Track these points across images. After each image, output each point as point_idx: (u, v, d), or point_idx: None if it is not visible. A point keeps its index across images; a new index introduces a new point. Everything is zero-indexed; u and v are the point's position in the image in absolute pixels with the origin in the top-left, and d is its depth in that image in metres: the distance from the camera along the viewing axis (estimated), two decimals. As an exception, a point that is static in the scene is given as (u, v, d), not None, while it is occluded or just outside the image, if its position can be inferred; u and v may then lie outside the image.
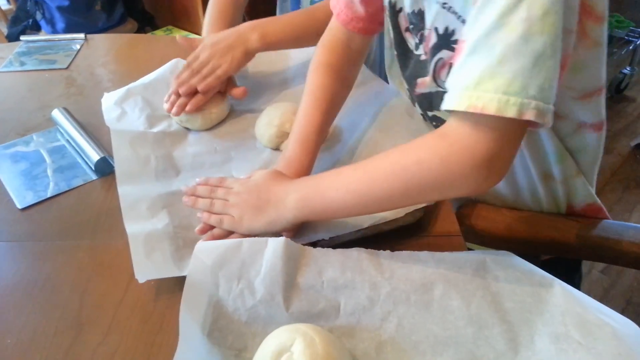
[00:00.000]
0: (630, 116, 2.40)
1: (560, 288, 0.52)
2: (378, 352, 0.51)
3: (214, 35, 0.86)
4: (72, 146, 0.82)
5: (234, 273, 0.56)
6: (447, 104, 0.50)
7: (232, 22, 0.96)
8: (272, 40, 0.85)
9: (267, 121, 0.79)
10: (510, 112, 0.46)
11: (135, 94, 0.88)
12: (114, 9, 2.11)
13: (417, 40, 0.70)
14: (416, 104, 0.77)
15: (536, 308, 0.52)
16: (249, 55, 0.85)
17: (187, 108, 0.82)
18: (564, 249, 0.74)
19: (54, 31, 2.03)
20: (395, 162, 0.55)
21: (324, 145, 0.79)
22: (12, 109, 0.93)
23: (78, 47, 1.14)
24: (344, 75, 0.77)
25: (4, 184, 0.76)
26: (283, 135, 0.78)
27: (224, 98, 0.86)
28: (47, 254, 0.65)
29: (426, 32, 0.66)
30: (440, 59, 0.64)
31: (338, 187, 0.58)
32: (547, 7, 0.45)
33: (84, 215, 0.70)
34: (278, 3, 1.16)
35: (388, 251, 0.59)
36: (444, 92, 0.51)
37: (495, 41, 0.46)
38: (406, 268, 0.56)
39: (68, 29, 2.01)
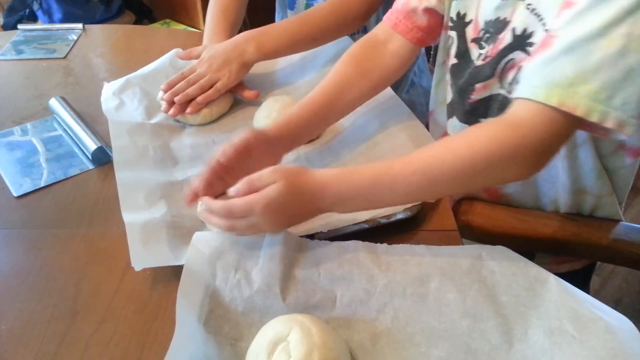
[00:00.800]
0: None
1: (555, 283, 0.53)
2: (373, 343, 0.51)
3: (211, 48, 0.87)
4: (69, 135, 0.82)
5: (232, 263, 0.56)
6: (532, 94, 0.52)
7: (235, 22, 0.95)
8: (269, 50, 0.85)
9: (266, 114, 0.79)
10: (594, 117, 0.49)
11: (134, 85, 0.88)
12: (112, 1, 2.10)
13: (480, 51, 0.70)
14: (454, 117, 0.76)
15: (531, 302, 0.52)
16: (246, 67, 0.85)
17: (188, 110, 0.82)
18: (559, 246, 0.75)
19: (51, 21, 2.02)
20: (462, 160, 0.54)
21: (323, 140, 0.80)
22: (9, 97, 0.93)
23: (76, 37, 1.14)
24: (364, 65, 0.76)
25: (0, 171, 0.75)
26: (281, 128, 0.78)
27: (227, 94, 0.86)
28: (43, 242, 0.65)
29: (501, 35, 0.65)
30: (511, 59, 0.64)
31: (396, 192, 0.56)
32: None
33: (80, 204, 0.70)
34: (277, 6, 1.17)
35: (385, 244, 0.59)
36: (505, 95, 0.54)
37: (595, 48, 0.49)
38: (403, 261, 0.56)
39: (65, 20, 2.00)
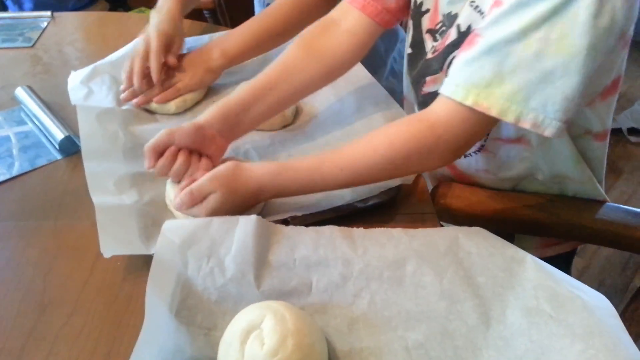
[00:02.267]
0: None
1: (532, 262, 0.52)
2: (350, 328, 0.50)
3: (179, 55, 0.85)
4: (36, 125, 0.79)
5: (204, 251, 0.54)
6: (452, 93, 0.54)
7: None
8: (234, 53, 0.83)
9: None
10: (509, 118, 0.52)
11: (103, 72, 0.86)
12: (85, -10, 2.04)
13: (433, 44, 0.69)
14: (416, 108, 0.76)
15: (508, 282, 0.51)
16: (211, 72, 0.84)
17: (156, 99, 0.80)
18: (538, 227, 0.75)
19: (21, 11, 1.96)
20: (383, 157, 0.58)
21: (298, 124, 0.78)
22: (-26, 88, 0.90)
23: (45, 25, 1.10)
24: (315, 47, 0.73)
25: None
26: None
27: None
28: (10, 234, 0.63)
29: (450, 30, 0.65)
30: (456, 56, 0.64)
31: (327, 184, 0.61)
32: (565, 32, 0.49)
33: (48, 195, 0.68)
34: (256, 9, 1.14)
35: (361, 229, 0.58)
36: None
37: (512, 51, 0.51)
38: (379, 245, 0.55)
39: (36, 9, 1.94)
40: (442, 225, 0.67)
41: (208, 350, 0.48)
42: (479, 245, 0.55)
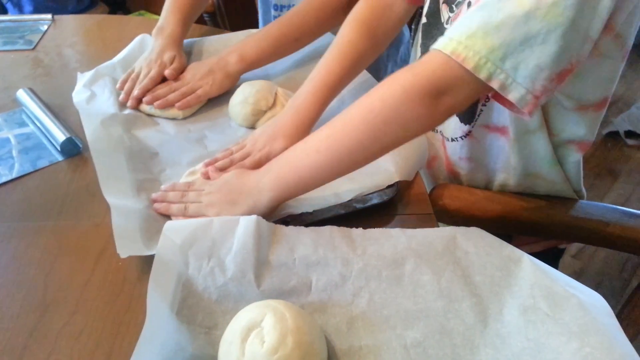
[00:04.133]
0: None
1: (529, 262, 0.53)
2: (349, 326, 0.51)
3: (196, 63, 0.87)
4: (38, 127, 0.80)
5: (204, 251, 0.55)
6: (441, 44, 0.53)
7: (189, 13, 0.93)
8: (252, 58, 0.85)
9: (242, 99, 0.78)
10: (482, 74, 0.50)
11: (104, 75, 0.86)
12: (84, -7, 2.05)
13: (450, 14, 0.69)
14: None
15: (505, 281, 0.52)
16: (230, 77, 0.85)
17: (178, 105, 0.81)
18: (534, 228, 0.75)
19: (21, 14, 1.96)
20: (360, 107, 0.57)
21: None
22: (-25, 90, 0.90)
23: (45, 27, 1.11)
24: (376, 35, 0.75)
25: (-35, 165, 0.73)
26: (259, 114, 0.77)
27: None
28: (12, 235, 0.63)
29: (460, 5, 0.65)
30: None
31: (308, 152, 0.59)
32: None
33: (49, 196, 0.68)
34: (260, 13, 1.15)
35: (360, 229, 0.59)
36: None
37: (503, 7, 0.50)
38: (378, 244, 0.56)
39: (36, 12, 1.95)
40: (440, 226, 0.67)
41: (209, 349, 0.49)
42: (476, 245, 0.55)
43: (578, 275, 1.63)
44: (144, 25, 1.17)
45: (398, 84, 0.55)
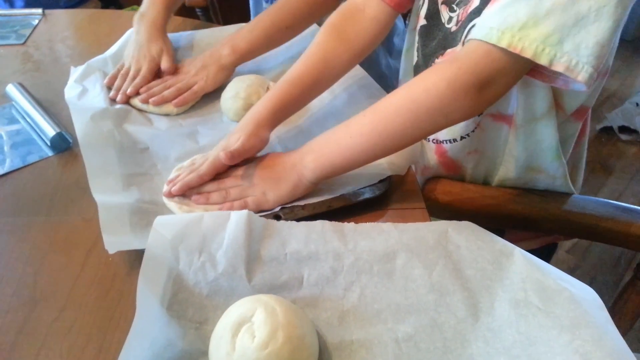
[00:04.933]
0: (597, 100, 2.45)
1: (520, 256, 0.53)
2: (340, 321, 0.51)
3: (191, 59, 0.87)
4: (27, 122, 0.79)
5: (195, 246, 0.55)
6: (484, 36, 0.54)
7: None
8: (244, 49, 0.84)
9: (234, 94, 0.77)
10: (543, 60, 0.52)
11: (95, 70, 0.85)
12: (77, -12, 2.03)
13: (450, 14, 0.69)
14: None
15: (496, 275, 0.52)
16: (224, 70, 0.84)
17: (174, 102, 0.80)
18: (527, 223, 0.75)
19: (12, 8, 1.95)
20: (404, 96, 0.59)
21: (292, 120, 0.78)
22: (-36, 85, 0.89)
23: (36, 22, 1.10)
24: (346, 35, 0.75)
25: (-46, 160, 0.72)
26: (250, 108, 0.76)
27: None
28: (1, 230, 0.63)
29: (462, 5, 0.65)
30: (475, 25, 0.63)
31: (352, 134, 0.61)
32: None
33: (39, 191, 0.68)
34: (251, 6, 1.14)
35: (352, 223, 0.58)
36: None
37: None
38: (370, 239, 0.56)
39: (27, 7, 1.93)
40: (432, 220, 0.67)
41: (199, 344, 0.49)
42: (468, 239, 0.55)
43: (572, 270, 1.64)
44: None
45: (442, 77, 0.56)
